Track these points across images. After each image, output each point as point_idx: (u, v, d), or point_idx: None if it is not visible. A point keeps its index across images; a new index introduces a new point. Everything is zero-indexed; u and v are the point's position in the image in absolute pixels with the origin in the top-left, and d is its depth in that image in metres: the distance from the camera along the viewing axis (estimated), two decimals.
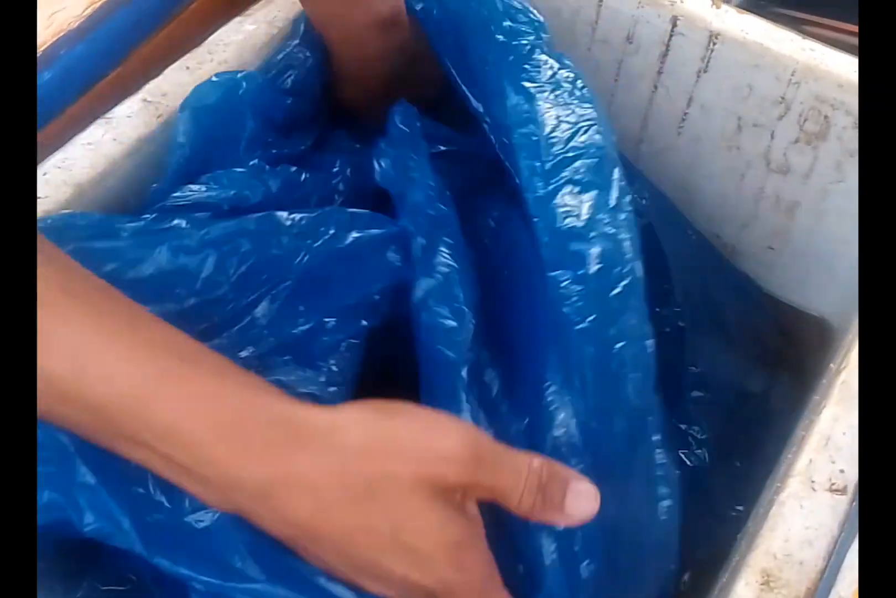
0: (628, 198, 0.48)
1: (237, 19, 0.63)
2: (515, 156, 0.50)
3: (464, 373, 0.46)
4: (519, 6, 0.56)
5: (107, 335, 0.37)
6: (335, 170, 0.58)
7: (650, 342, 0.46)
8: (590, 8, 0.67)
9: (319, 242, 0.50)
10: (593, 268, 0.46)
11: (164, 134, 0.57)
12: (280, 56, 0.61)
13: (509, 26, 0.54)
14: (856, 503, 0.43)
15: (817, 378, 0.55)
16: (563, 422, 0.45)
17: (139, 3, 0.60)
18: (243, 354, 0.47)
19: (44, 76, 0.56)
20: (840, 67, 0.61)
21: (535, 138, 0.50)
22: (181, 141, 0.56)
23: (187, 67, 0.60)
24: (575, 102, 0.51)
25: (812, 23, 0.83)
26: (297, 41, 0.61)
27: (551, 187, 0.48)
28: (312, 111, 0.61)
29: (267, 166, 0.56)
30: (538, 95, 0.51)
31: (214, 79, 0.57)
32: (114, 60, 0.60)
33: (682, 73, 0.65)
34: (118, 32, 0.60)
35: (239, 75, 0.58)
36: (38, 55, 0.56)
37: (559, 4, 0.68)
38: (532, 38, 0.54)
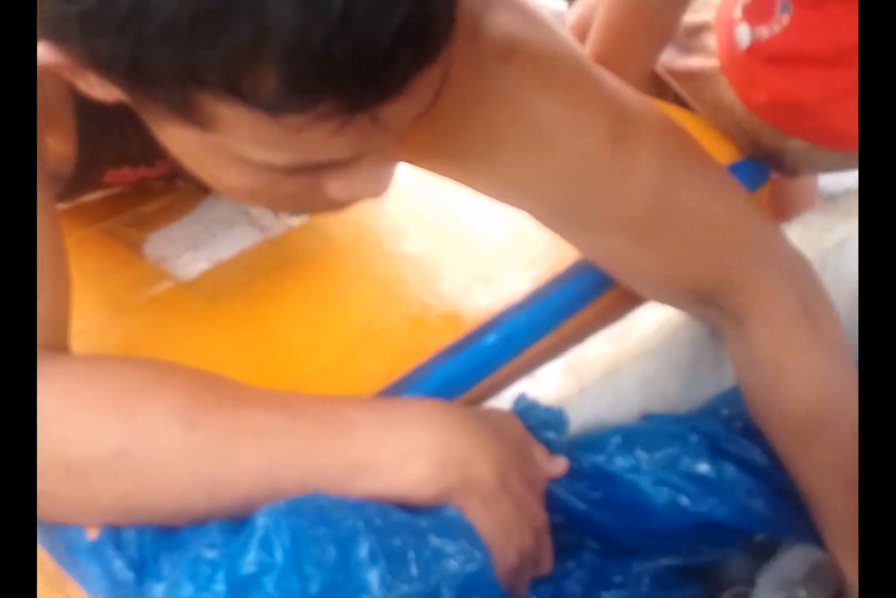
0: None
1: None
2: None
3: None
4: None
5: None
6: None
7: None
8: None
9: None
10: None
11: (581, 399, 0.63)
12: None
13: None
14: None
15: None
16: None
17: (575, 285, 0.68)
18: None
19: (488, 339, 0.65)
20: None
21: None
22: None
23: (608, 338, 0.66)
24: None
25: None
26: None
27: None
28: None
29: None
30: None
31: None
32: (548, 329, 0.68)
33: None
34: (556, 306, 0.68)
35: None
36: (487, 321, 0.66)
37: None
38: None
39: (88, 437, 0.47)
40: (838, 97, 0.71)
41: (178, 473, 0.47)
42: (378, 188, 0.49)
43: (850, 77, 0.69)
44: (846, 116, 0.71)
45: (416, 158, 0.60)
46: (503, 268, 0.70)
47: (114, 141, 0.60)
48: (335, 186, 0.48)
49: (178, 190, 0.75)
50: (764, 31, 0.73)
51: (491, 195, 0.63)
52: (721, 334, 0.66)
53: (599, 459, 0.61)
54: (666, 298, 0.66)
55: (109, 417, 0.48)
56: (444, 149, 0.59)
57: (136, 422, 0.48)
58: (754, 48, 0.74)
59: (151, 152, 0.61)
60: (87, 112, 0.57)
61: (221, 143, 0.43)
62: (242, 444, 0.48)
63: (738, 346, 0.64)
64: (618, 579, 0.63)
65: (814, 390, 0.62)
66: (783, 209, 0.89)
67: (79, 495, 0.48)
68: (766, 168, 0.79)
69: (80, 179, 0.62)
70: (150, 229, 0.72)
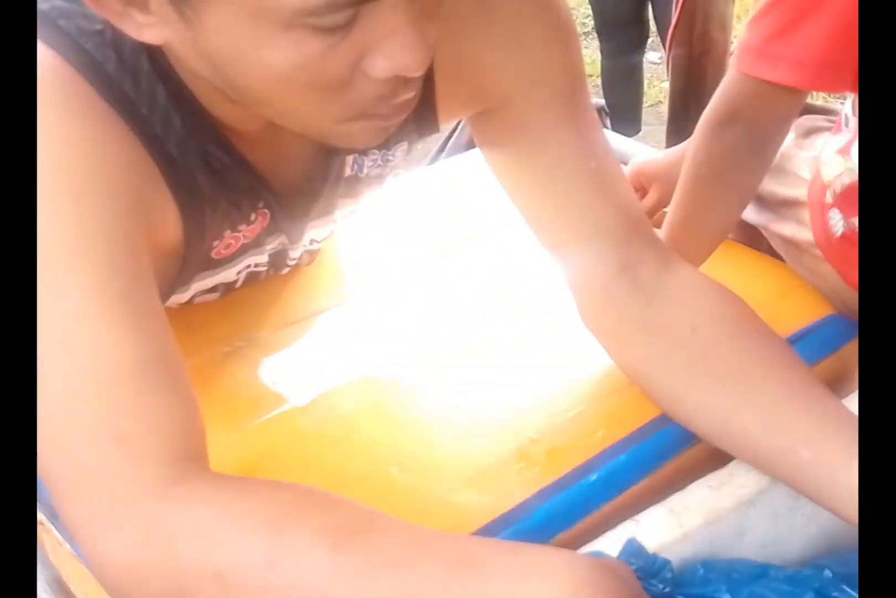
0: None
1: None
2: None
3: None
4: None
5: None
6: None
7: None
8: None
9: None
10: None
11: (682, 545, 0.64)
12: None
13: None
14: None
15: None
16: None
17: (673, 429, 0.69)
18: None
19: (590, 478, 0.66)
20: None
21: None
22: None
23: (709, 486, 0.67)
24: None
25: None
26: None
27: None
28: None
29: None
30: None
31: None
32: (647, 471, 0.69)
33: None
34: (655, 448, 0.69)
35: None
36: (587, 460, 0.67)
37: None
38: None
39: (240, 547, 0.49)
40: None
41: (320, 591, 0.48)
42: (416, 60, 0.51)
43: None
44: None
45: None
46: (605, 409, 0.72)
47: (210, 205, 0.63)
48: (376, 64, 0.51)
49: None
50: (857, 222, 0.75)
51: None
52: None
53: (694, 591, 0.61)
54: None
55: (261, 531, 0.49)
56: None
57: (285, 539, 0.49)
58: (848, 235, 0.76)
59: (246, 206, 0.65)
60: (183, 187, 0.60)
61: (257, 4, 0.47)
62: (380, 573, 0.49)
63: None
64: None
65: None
66: None
67: None
68: (855, 324, 0.81)
69: (192, 260, 0.65)
70: (265, 353, 0.75)
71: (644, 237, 0.70)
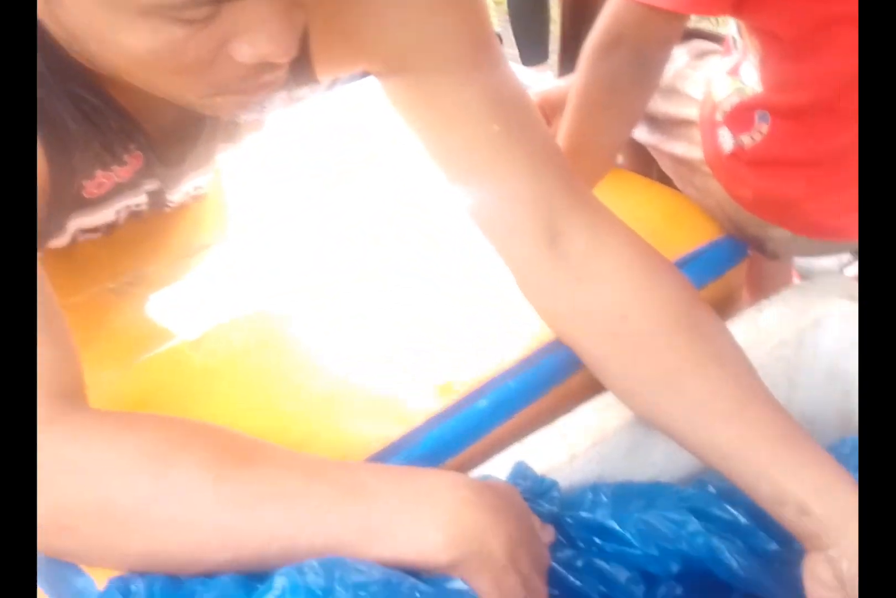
0: None
1: None
2: None
3: None
4: None
5: None
6: None
7: None
8: None
9: None
10: None
11: (570, 466, 0.65)
12: None
13: None
14: None
15: None
16: None
17: (563, 354, 0.70)
18: None
19: (479, 404, 0.67)
20: None
21: None
22: None
23: (596, 408, 0.69)
24: None
25: None
26: None
27: None
28: None
29: None
30: None
31: None
32: (535, 396, 0.70)
33: None
34: (544, 373, 0.70)
35: None
36: (477, 387, 0.68)
37: None
38: None
39: (126, 483, 0.49)
40: (819, 194, 0.75)
41: (203, 523, 0.49)
42: (282, 48, 0.50)
43: (830, 177, 0.73)
44: (827, 211, 0.75)
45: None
46: (495, 336, 0.73)
47: (79, 146, 0.61)
48: (241, 49, 0.50)
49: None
50: (745, 139, 0.77)
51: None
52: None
53: (581, 514, 0.63)
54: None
55: (145, 465, 0.49)
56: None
57: (170, 472, 0.49)
58: (737, 152, 0.77)
59: (118, 147, 0.63)
60: (47, 127, 0.58)
61: None
62: (264, 502, 0.49)
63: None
64: None
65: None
66: (761, 286, 0.92)
67: (110, 538, 0.49)
68: (744, 246, 0.83)
69: (61, 200, 0.63)
70: (152, 289, 0.74)
71: (570, 199, 0.66)
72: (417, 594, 0.50)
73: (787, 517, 0.60)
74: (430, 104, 0.65)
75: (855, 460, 0.65)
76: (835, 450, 0.69)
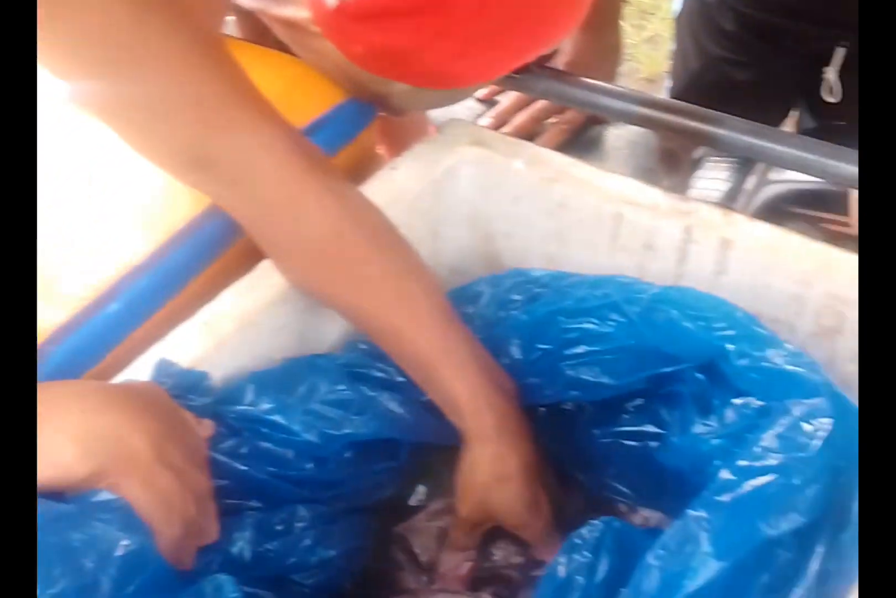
0: None
1: None
2: None
3: None
4: None
5: None
6: None
7: None
8: (609, 220, 0.72)
9: None
10: None
11: (219, 354, 0.63)
12: None
13: None
14: None
15: None
16: None
17: (196, 242, 0.67)
18: None
19: (110, 308, 0.63)
20: (851, 266, 0.65)
21: None
22: None
23: (239, 291, 0.66)
24: None
25: (827, 220, 0.87)
26: None
27: None
28: None
29: None
30: None
31: None
32: (172, 291, 0.66)
33: (700, 276, 0.69)
34: (180, 263, 0.67)
35: None
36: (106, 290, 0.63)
37: (582, 218, 0.74)
38: None
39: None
40: (429, 43, 0.73)
41: None
42: None
43: (435, 23, 0.72)
44: (440, 59, 0.74)
45: None
46: (116, 233, 0.68)
47: None
48: None
49: None
50: None
51: None
52: None
53: (241, 408, 0.62)
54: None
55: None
56: None
57: None
58: (342, 7, 0.74)
59: None
60: None
61: None
62: None
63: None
64: (279, 527, 0.64)
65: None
66: (398, 144, 0.92)
67: None
68: (371, 107, 0.81)
69: None
70: None
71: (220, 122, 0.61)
72: (55, 517, 0.47)
73: (441, 407, 0.64)
74: None
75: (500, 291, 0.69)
76: (476, 285, 0.71)
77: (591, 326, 0.62)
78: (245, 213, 0.64)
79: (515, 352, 0.66)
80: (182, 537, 0.54)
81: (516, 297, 0.69)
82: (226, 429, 0.62)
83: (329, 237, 0.63)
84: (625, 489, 0.70)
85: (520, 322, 0.66)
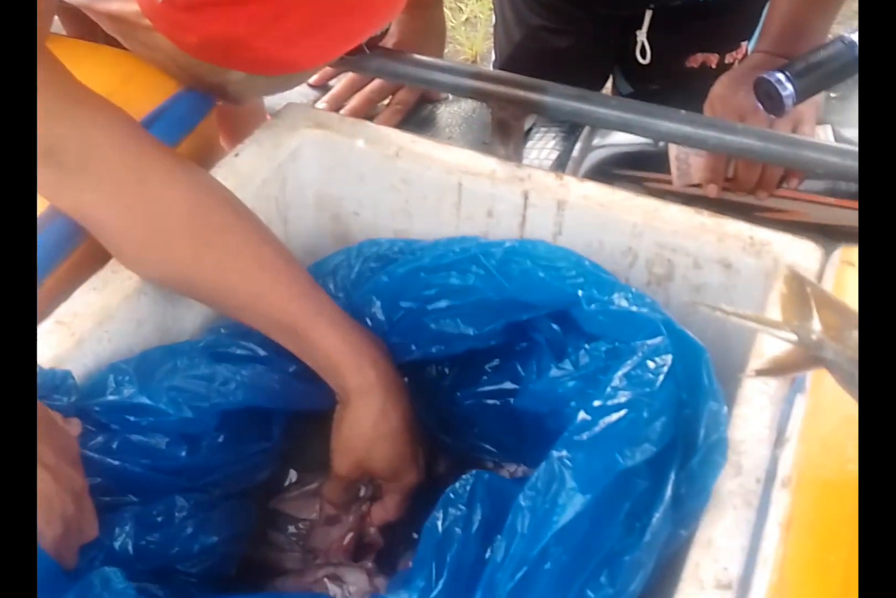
0: None
1: None
2: None
3: None
4: None
5: None
6: None
7: None
8: (452, 191, 0.76)
9: None
10: None
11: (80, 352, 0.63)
12: None
13: None
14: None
15: None
16: None
17: (45, 239, 0.66)
18: None
19: None
20: (674, 217, 0.70)
21: None
22: None
23: (94, 288, 0.66)
24: None
25: (649, 179, 0.93)
26: None
27: None
28: None
29: None
30: None
31: None
32: None
33: (541, 237, 0.73)
34: None
35: None
36: None
37: (426, 191, 0.77)
38: None
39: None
40: (260, 31, 0.74)
41: None
42: None
43: (266, 10, 0.73)
44: (272, 46, 0.75)
45: None
46: None
47: None
48: None
49: None
50: None
51: None
52: None
53: (106, 400, 0.62)
54: None
55: None
56: None
57: None
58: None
59: None
60: None
61: None
62: None
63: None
64: (160, 519, 0.65)
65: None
66: (236, 132, 0.92)
67: None
68: (208, 97, 0.82)
69: None
70: None
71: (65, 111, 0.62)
72: None
73: (320, 370, 0.66)
74: None
75: None
76: (331, 259, 0.74)
77: (452, 280, 0.64)
78: (97, 204, 0.64)
79: (378, 313, 0.68)
80: (63, 536, 0.54)
81: (373, 264, 0.71)
82: (93, 426, 0.62)
83: (183, 212, 0.64)
84: (490, 448, 0.74)
85: (381, 284, 0.68)
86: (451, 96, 1.17)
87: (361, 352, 0.65)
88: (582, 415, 0.53)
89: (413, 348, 0.68)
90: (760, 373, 0.42)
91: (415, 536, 0.72)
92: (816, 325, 0.40)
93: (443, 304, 0.65)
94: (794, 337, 0.40)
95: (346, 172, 0.79)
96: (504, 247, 0.64)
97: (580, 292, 0.59)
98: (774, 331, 0.41)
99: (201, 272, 0.65)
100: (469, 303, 0.64)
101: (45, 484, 0.53)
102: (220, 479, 0.68)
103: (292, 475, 0.76)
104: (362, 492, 0.72)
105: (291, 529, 0.74)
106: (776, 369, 0.43)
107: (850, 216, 0.91)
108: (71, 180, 0.63)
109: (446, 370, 0.73)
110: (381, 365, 0.65)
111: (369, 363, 0.65)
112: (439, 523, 0.57)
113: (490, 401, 0.71)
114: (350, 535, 0.72)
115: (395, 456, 0.67)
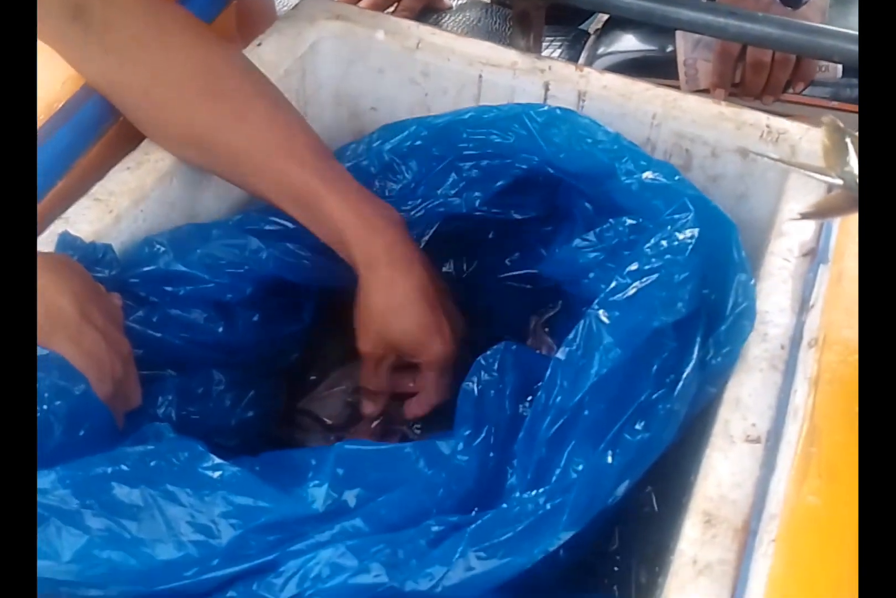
0: None
1: None
2: None
3: None
4: None
5: None
6: None
7: None
8: (472, 84, 0.77)
9: None
10: None
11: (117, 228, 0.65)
12: None
13: None
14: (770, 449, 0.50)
15: None
16: None
17: (80, 119, 0.67)
18: None
19: None
20: (692, 106, 0.72)
21: None
22: None
23: (128, 168, 0.67)
24: None
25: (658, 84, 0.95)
26: None
27: None
28: None
29: None
30: None
31: None
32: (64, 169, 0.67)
33: None
34: (64, 144, 0.67)
35: None
36: None
37: (445, 84, 0.78)
38: None
39: None
40: None
41: None
42: None
43: None
44: None
45: None
46: None
47: None
48: None
49: None
50: None
51: None
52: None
53: (144, 270, 0.64)
54: None
55: None
56: None
57: None
58: None
59: None
60: None
61: None
62: None
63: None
64: (199, 390, 0.67)
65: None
66: (253, 26, 0.92)
67: None
68: None
69: None
70: None
71: None
72: None
73: (330, 243, 0.66)
74: None
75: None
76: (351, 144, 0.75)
77: (493, 137, 0.66)
78: (122, 64, 0.65)
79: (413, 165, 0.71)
80: (112, 397, 0.56)
81: (406, 142, 0.71)
82: (133, 300, 0.64)
83: (201, 73, 0.66)
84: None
85: (419, 136, 0.70)
86: (455, 5, 1.17)
87: (370, 223, 0.64)
88: (619, 279, 0.55)
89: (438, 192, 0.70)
90: (805, 216, 0.44)
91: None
92: (857, 170, 0.42)
93: (480, 159, 0.67)
94: (839, 181, 0.43)
95: (364, 66, 0.80)
96: (546, 112, 0.65)
97: (617, 165, 0.61)
98: (818, 175, 0.44)
99: (218, 131, 0.66)
100: (505, 163, 0.66)
101: (95, 342, 0.55)
102: (254, 359, 0.70)
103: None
104: None
105: (319, 416, 0.76)
106: (819, 212, 0.45)
107: (852, 120, 0.93)
108: (96, 38, 0.64)
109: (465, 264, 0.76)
110: (391, 236, 0.65)
111: (376, 234, 0.64)
112: (474, 386, 0.59)
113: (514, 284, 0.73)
114: (378, 421, 0.73)
115: (414, 327, 0.66)
